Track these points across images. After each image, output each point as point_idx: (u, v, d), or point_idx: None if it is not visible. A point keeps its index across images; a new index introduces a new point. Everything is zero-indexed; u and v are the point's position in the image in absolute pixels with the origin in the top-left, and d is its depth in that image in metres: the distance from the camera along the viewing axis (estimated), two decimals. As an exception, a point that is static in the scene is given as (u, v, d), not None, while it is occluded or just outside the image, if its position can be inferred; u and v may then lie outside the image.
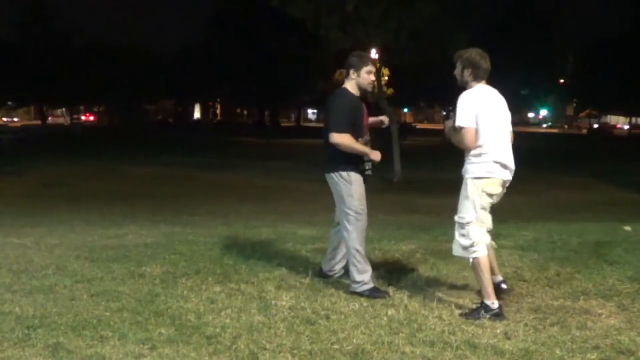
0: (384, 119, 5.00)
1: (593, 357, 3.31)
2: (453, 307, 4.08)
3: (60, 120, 70.68)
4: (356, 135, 4.45)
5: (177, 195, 13.97)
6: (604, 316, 3.98)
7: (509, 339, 3.57)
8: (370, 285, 4.39)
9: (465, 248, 4.02)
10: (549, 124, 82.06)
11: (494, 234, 4.37)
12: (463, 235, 4.02)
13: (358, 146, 4.42)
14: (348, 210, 4.45)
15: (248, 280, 4.68)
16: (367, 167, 4.54)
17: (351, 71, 4.52)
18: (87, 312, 3.88)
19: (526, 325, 3.79)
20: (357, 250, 4.44)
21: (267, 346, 3.38)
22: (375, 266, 4.72)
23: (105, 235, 7.00)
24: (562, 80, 59.15)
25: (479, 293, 4.31)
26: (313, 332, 3.60)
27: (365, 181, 4.58)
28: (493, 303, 3.91)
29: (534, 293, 4.50)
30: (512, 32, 41.48)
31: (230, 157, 26.45)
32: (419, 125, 66.22)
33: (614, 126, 66.54)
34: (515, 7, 48.25)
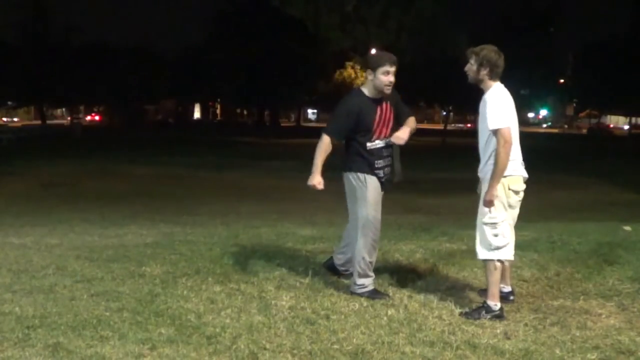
0: (396, 139, 4.48)
1: (593, 357, 3.31)
2: (453, 307, 4.08)
3: (65, 120, 70.66)
4: (364, 139, 4.37)
5: (177, 195, 13.96)
6: (604, 316, 3.98)
7: (509, 339, 3.57)
8: (370, 288, 4.37)
9: (498, 248, 3.94)
10: (549, 124, 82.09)
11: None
12: (496, 235, 3.94)
13: (318, 159, 4.38)
14: (359, 216, 4.35)
15: (248, 280, 4.68)
16: (381, 175, 4.41)
17: (368, 71, 4.42)
18: (87, 312, 3.88)
19: (526, 325, 3.79)
20: (363, 258, 4.34)
21: (267, 346, 3.38)
22: (376, 266, 4.70)
23: (105, 235, 7.00)
24: (562, 80, 59.10)
25: (480, 294, 4.32)
26: (313, 332, 3.59)
27: (383, 189, 4.46)
28: (496, 305, 3.91)
29: (534, 293, 4.50)
30: (512, 32, 41.42)
31: (230, 157, 26.45)
32: (419, 126, 66.22)
33: (608, 126, 66.64)
34: (515, 7, 48.23)
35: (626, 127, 63.47)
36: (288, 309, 4.00)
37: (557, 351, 3.37)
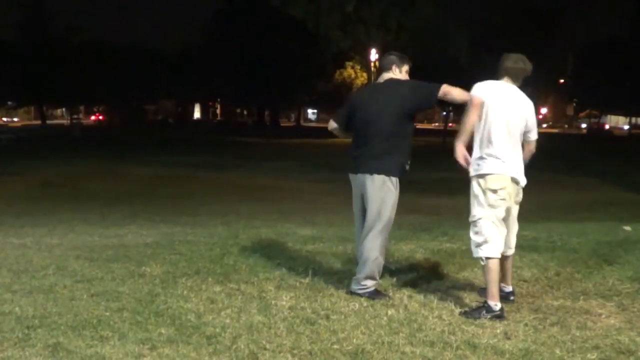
0: None
1: (593, 357, 3.31)
2: (453, 307, 4.08)
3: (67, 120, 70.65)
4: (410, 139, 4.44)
5: (177, 195, 13.95)
6: (604, 316, 3.98)
7: (509, 339, 3.57)
8: (372, 289, 4.34)
9: (479, 245, 4.01)
10: (549, 123, 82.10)
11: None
12: (476, 233, 4.03)
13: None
14: (383, 218, 4.33)
15: (248, 280, 4.68)
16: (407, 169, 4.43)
17: (393, 66, 4.44)
18: (87, 312, 3.88)
19: (526, 325, 3.79)
20: (377, 258, 4.32)
21: (267, 346, 3.38)
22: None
23: (105, 235, 7.00)
24: (562, 80, 59.13)
25: (480, 293, 4.32)
26: (313, 332, 3.59)
27: None
28: (496, 305, 3.91)
29: (534, 293, 4.50)
30: (512, 32, 41.48)
31: (230, 157, 26.43)
32: (419, 126, 66.36)
33: (603, 125, 66.74)
34: (515, 7, 48.25)
35: (626, 127, 63.50)
36: (288, 309, 4.00)
37: (557, 351, 3.37)
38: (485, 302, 3.96)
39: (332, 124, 4.71)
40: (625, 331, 3.70)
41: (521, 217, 4.26)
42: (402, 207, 4.64)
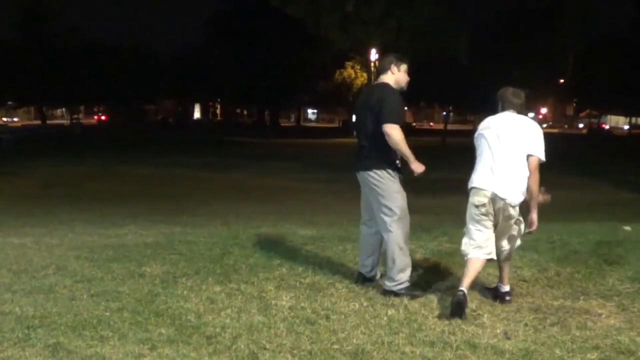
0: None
1: (593, 357, 3.31)
2: (453, 307, 4.08)
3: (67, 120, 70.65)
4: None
5: (177, 195, 13.95)
6: (604, 316, 3.98)
7: (509, 339, 3.57)
8: (406, 285, 4.32)
9: (465, 243, 4.19)
10: (549, 123, 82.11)
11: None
12: (465, 234, 4.22)
13: (405, 146, 4.25)
14: (395, 209, 4.34)
15: (248, 280, 4.68)
16: (399, 165, 4.48)
17: (392, 65, 4.46)
18: (87, 312, 3.88)
19: (526, 325, 3.79)
20: (401, 248, 4.32)
21: (267, 346, 3.38)
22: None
23: (105, 235, 7.00)
24: (562, 80, 59.10)
25: (480, 292, 4.34)
26: (313, 332, 3.60)
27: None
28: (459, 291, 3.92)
29: (534, 293, 4.50)
30: (512, 32, 41.41)
31: (230, 157, 26.43)
32: (418, 126, 66.36)
33: (600, 125, 66.82)
34: (514, 7, 48.21)
35: (626, 127, 63.50)
36: (288, 309, 4.00)
37: (557, 351, 3.37)
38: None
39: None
40: (625, 331, 3.70)
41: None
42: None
